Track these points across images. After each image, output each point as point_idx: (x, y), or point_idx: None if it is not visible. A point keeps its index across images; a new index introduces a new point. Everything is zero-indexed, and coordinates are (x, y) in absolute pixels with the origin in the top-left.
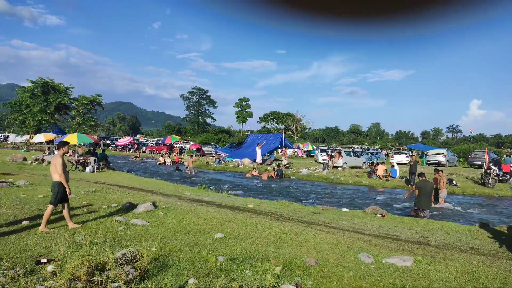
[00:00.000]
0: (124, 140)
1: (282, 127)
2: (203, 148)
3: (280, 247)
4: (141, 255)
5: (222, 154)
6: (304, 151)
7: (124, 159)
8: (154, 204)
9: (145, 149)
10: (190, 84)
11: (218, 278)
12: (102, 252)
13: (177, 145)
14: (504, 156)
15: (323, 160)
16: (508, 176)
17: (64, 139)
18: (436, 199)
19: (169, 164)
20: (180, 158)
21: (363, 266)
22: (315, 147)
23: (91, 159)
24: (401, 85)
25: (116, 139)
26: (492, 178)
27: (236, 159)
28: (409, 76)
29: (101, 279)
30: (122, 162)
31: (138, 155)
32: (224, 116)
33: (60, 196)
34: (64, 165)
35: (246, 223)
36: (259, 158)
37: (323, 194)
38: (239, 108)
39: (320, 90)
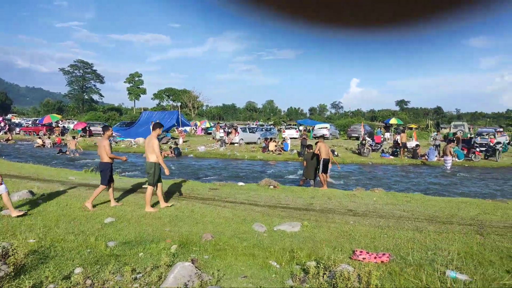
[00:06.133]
0: None
1: (178, 104)
2: (90, 128)
3: (176, 226)
4: (15, 249)
5: (113, 133)
6: (202, 129)
7: None
8: (31, 191)
9: (19, 130)
10: (72, 56)
11: (108, 265)
12: None
13: (59, 125)
14: (377, 128)
15: (220, 137)
16: (379, 146)
17: None
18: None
19: (49, 146)
20: (63, 140)
21: (257, 235)
22: (212, 124)
23: None
24: (293, 64)
25: None
26: (366, 148)
27: (129, 139)
28: (300, 55)
29: None
30: None
31: (10, 138)
32: (114, 93)
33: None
34: None
35: (140, 204)
36: None
37: (221, 170)
38: (131, 84)
39: (217, 66)
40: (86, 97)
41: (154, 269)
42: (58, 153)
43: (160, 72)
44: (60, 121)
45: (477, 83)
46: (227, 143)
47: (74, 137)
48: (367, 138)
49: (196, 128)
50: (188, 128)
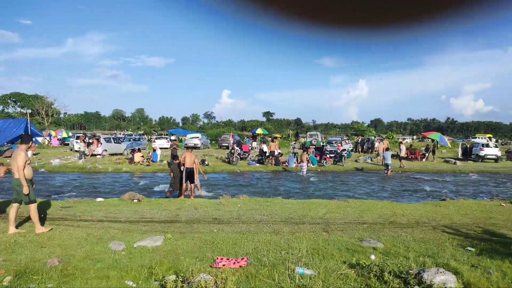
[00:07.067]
0: None
1: (28, 111)
2: None
3: (15, 253)
4: None
5: None
6: (59, 139)
7: None
8: None
9: None
10: None
11: None
12: None
13: None
14: (245, 138)
15: (79, 148)
16: (247, 154)
17: None
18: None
19: None
20: None
21: (114, 254)
22: (71, 134)
23: None
24: (163, 72)
25: None
26: (235, 156)
27: None
28: (170, 64)
29: None
30: None
31: None
32: None
33: None
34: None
35: None
36: None
37: (78, 186)
38: None
39: (79, 70)
40: None
41: None
42: None
43: (6, 74)
44: None
45: (329, 98)
46: (88, 155)
47: None
48: (236, 147)
49: (50, 138)
50: (40, 139)
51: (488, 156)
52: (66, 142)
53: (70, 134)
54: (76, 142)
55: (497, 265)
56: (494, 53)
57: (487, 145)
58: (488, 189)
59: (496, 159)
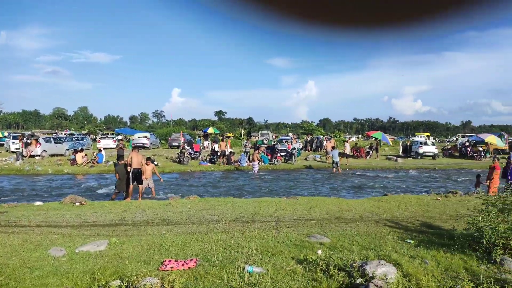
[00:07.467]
0: None
1: None
2: None
3: None
4: None
5: None
6: None
7: None
8: None
9: None
10: None
11: None
12: None
13: None
14: (197, 137)
15: (16, 149)
16: (198, 154)
17: None
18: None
19: None
20: None
21: (53, 261)
22: (6, 134)
23: None
24: (109, 69)
25: None
26: (186, 156)
27: None
28: (116, 61)
29: None
30: None
31: None
32: None
33: None
34: None
35: None
36: None
37: (16, 189)
38: None
39: (15, 66)
40: None
41: None
42: None
43: None
44: None
45: (280, 98)
46: (25, 156)
47: None
48: (187, 147)
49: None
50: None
51: (426, 154)
52: (1, 142)
53: (6, 134)
54: (13, 142)
55: (432, 255)
56: (430, 58)
57: (425, 143)
58: (426, 184)
59: (434, 156)
